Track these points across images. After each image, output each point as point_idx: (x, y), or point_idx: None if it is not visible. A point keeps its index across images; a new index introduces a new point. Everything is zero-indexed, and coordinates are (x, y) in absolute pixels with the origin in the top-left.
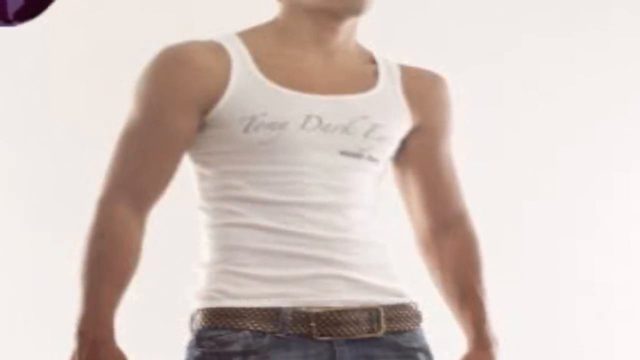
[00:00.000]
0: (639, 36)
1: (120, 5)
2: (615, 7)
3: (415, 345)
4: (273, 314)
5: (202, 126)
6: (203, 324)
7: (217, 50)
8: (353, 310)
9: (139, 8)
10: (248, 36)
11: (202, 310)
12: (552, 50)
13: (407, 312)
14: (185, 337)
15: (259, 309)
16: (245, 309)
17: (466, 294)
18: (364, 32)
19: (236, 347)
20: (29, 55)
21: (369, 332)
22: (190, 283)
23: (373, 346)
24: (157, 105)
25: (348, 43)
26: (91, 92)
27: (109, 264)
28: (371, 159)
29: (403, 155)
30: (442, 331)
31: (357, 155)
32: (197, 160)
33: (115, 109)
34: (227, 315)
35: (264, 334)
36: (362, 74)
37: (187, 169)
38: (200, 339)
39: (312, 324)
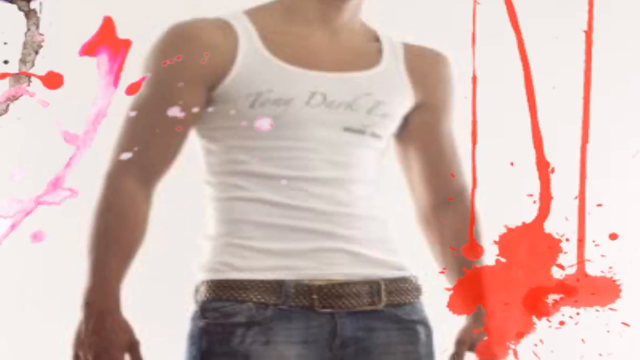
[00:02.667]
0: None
1: None
2: None
3: (415, 317)
4: (276, 286)
5: (209, 102)
6: (207, 295)
7: (224, 27)
8: (354, 283)
9: None
10: (255, 14)
11: (207, 282)
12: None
13: (407, 285)
14: (189, 308)
15: (262, 282)
16: (249, 281)
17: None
18: (368, 11)
19: (240, 319)
20: None
21: (370, 304)
22: (195, 255)
23: (374, 318)
24: (164, 81)
25: (353, 21)
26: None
27: (115, 237)
28: (374, 135)
29: (405, 132)
30: (441, 304)
31: (360, 132)
32: (203, 135)
33: (124, 84)
34: (231, 287)
35: (267, 305)
36: (366, 52)
37: (193, 144)
38: (204, 310)
39: (314, 296)
